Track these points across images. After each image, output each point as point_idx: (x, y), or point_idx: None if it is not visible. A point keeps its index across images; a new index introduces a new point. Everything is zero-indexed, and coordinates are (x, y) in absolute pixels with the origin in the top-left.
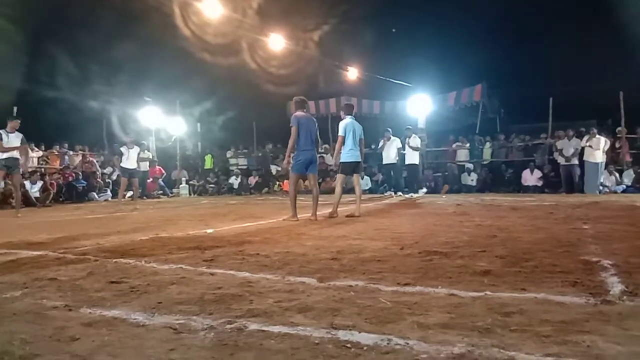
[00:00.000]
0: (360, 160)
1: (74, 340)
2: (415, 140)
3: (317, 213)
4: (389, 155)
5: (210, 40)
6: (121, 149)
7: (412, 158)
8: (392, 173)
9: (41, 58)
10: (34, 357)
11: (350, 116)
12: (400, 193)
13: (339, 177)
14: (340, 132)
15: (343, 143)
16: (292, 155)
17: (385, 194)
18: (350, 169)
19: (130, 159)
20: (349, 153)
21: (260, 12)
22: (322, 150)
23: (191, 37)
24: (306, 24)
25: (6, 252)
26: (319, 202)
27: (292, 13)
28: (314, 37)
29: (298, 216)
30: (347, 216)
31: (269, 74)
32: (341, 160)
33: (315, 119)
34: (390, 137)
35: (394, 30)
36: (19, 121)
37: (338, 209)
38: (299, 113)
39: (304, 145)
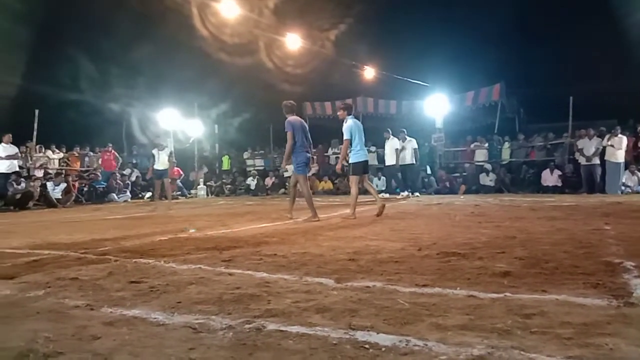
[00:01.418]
0: (368, 159)
1: (95, 339)
2: (410, 143)
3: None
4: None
5: (226, 41)
6: (152, 151)
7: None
8: (407, 174)
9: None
10: (57, 355)
11: (351, 117)
12: (417, 194)
13: (353, 179)
14: (346, 135)
15: (350, 145)
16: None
17: (401, 195)
18: (362, 168)
19: (161, 161)
20: (358, 153)
21: (276, 12)
22: (338, 151)
23: (208, 38)
24: (322, 24)
25: (29, 252)
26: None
27: (308, 13)
28: (329, 36)
29: (319, 216)
30: (377, 215)
31: (285, 75)
32: (352, 161)
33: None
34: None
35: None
36: None
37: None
38: (292, 117)
39: (302, 147)
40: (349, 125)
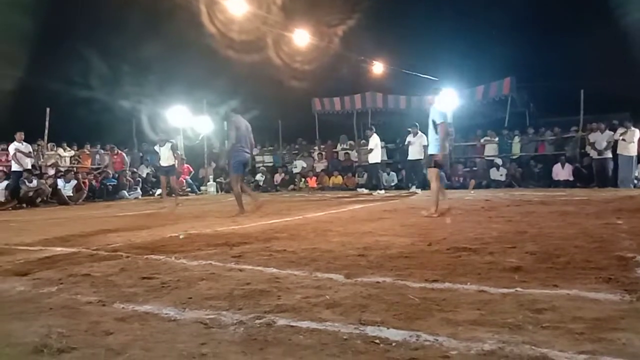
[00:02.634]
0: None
1: (108, 334)
2: (420, 139)
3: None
4: (415, 150)
5: (235, 38)
6: (154, 148)
7: (415, 154)
8: (416, 169)
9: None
10: (71, 350)
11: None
12: (419, 190)
13: (434, 172)
14: (442, 118)
15: (435, 133)
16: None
17: (411, 190)
18: (444, 161)
19: (164, 157)
20: (440, 144)
21: (284, 8)
22: (347, 146)
23: (216, 35)
24: (330, 19)
25: (42, 249)
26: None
27: (316, 8)
28: (338, 32)
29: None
30: (442, 215)
31: (293, 71)
32: (434, 152)
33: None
34: (417, 132)
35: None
36: None
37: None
38: (235, 117)
39: (241, 147)
40: (443, 109)
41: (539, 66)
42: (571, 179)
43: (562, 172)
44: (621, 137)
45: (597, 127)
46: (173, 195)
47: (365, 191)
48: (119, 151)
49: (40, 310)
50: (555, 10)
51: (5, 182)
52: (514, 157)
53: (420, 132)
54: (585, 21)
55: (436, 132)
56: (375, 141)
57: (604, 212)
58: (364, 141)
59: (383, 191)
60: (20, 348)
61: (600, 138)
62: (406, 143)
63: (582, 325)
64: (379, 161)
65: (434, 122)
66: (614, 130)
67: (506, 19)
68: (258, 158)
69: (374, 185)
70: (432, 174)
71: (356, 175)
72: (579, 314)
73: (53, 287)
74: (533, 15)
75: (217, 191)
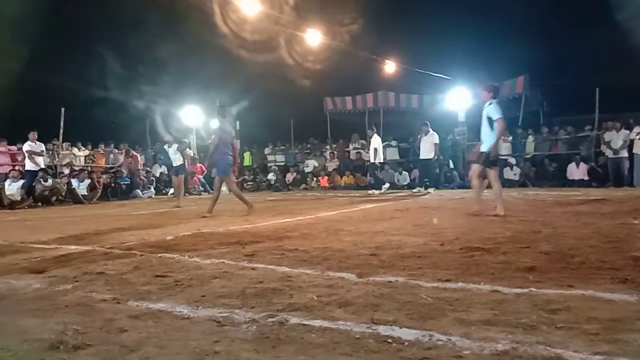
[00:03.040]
0: None
1: (122, 331)
2: (431, 137)
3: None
4: (426, 149)
5: (247, 38)
6: (164, 147)
7: (427, 153)
8: (427, 168)
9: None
10: (86, 347)
11: (496, 100)
12: (430, 189)
13: (494, 172)
14: (500, 114)
15: (491, 129)
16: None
17: (422, 190)
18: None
19: (173, 157)
20: (496, 141)
21: (296, 8)
22: (359, 146)
23: (229, 35)
24: (342, 18)
25: (57, 247)
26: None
27: (328, 7)
28: (350, 31)
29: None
30: (494, 215)
31: (304, 70)
32: (489, 150)
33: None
34: (428, 131)
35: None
36: None
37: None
38: (223, 121)
39: (225, 149)
40: (496, 107)
41: (553, 64)
42: (586, 178)
43: (576, 171)
44: (637, 136)
45: (613, 126)
46: (187, 194)
47: (377, 192)
48: (134, 153)
49: (56, 308)
50: (569, 7)
51: (22, 181)
52: (528, 156)
53: (431, 131)
54: (600, 17)
55: (492, 129)
56: (377, 141)
57: (619, 212)
58: (362, 142)
59: (377, 191)
60: (37, 344)
61: (615, 137)
62: (417, 142)
63: (597, 325)
64: (381, 161)
65: (489, 119)
66: (630, 129)
67: (520, 16)
68: (270, 157)
69: (372, 184)
70: (492, 174)
71: (368, 175)
72: (593, 314)
73: (68, 285)
74: (547, 12)
75: (229, 191)
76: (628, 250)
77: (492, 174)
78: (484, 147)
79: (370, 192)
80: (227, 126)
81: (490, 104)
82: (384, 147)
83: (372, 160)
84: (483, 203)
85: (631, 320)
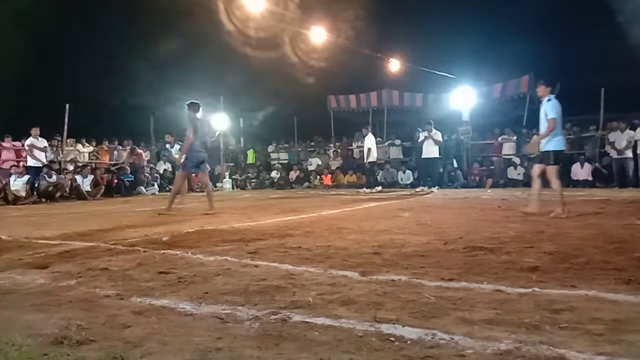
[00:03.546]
0: None
1: (125, 327)
2: (435, 136)
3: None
4: (429, 149)
5: (251, 35)
6: (166, 147)
7: (430, 152)
8: (429, 168)
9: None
10: (89, 342)
11: (554, 96)
12: (433, 188)
13: (555, 170)
14: (554, 114)
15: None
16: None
17: (425, 189)
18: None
19: (175, 156)
20: (561, 139)
21: (301, 5)
22: (362, 145)
23: (233, 32)
24: (346, 16)
25: (61, 243)
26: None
27: (333, 4)
28: (354, 28)
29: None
30: (553, 217)
31: (309, 68)
32: (554, 149)
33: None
34: (431, 130)
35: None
36: None
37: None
38: (195, 116)
39: (197, 147)
40: (556, 103)
41: (558, 63)
42: (590, 178)
43: (581, 171)
44: None
45: (617, 126)
46: (191, 191)
47: (367, 190)
48: (139, 150)
49: (59, 303)
50: (574, 6)
51: (27, 177)
52: (532, 156)
53: (435, 130)
54: (606, 17)
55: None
56: (371, 141)
57: (624, 212)
58: (358, 142)
59: (368, 190)
60: (41, 339)
61: (619, 137)
62: (419, 141)
63: (600, 326)
64: (375, 161)
65: (547, 116)
66: (634, 129)
67: (525, 15)
68: (273, 155)
69: (370, 183)
70: (552, 172)
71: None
72: (597, 315)
73: (72, 281)
74: (552, 11)
75: (233, 188)
76: (632, 251)
77: (552, 171)
78: (547, 147)
79: (362, 190)
80: (203, 123)
81: (549, 100)
82: (388, 146)
83: (365, 160)
84: (539, 204)
85: (635, 321)
